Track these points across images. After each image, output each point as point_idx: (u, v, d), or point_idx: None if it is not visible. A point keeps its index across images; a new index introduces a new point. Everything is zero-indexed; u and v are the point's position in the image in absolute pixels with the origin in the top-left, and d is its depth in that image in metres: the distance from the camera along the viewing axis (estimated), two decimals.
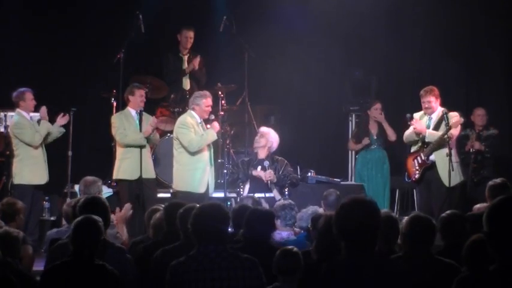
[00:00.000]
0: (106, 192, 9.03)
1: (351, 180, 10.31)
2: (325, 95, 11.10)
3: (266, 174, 8.69)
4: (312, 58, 10.78)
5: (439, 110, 8.63)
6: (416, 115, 8.73)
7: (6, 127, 9.73)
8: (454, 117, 8.47)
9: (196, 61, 10.51)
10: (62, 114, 9.04)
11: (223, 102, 10.07)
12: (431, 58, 10.80)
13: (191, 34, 10.59)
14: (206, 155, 8.45)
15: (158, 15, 10.50)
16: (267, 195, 8.55)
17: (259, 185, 8.71)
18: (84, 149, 10.33)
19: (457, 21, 10.58)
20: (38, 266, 5.43)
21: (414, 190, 9.85)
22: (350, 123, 10.63)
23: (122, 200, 8.63)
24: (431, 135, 8.55)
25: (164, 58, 10.63)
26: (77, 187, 7.99)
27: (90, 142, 10.57)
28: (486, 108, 9.87)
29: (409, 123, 8.71)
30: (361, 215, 3.23)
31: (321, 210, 6.39)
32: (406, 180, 8.92)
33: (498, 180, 6.94)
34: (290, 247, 4.49)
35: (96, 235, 4.29)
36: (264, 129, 9.05)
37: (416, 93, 10.26)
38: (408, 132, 8.76)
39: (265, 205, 7.44)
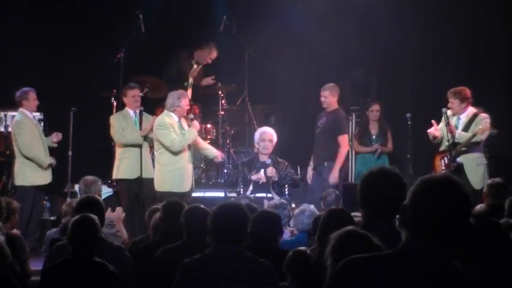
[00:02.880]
0: (106, 191, 9.12)
1: (351, 180, 10.33)
2: None
3: (268, 171, 8.69)
4: (312, 57, 10.76)
5: (469, 111, 8.58)
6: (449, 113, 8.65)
7: (6, 127, 9.78)
8: (483, 122, 8.42)
9: (208, 82, 10.45)
10: (55, 133, 9.04)
11: (223, 101, 10.15)
12: (432, 58, 10.79)
13: (215, 55, 10.50)
14: (186, 154, 8.44)
15: (158, 15, 10.50)
16: (268, 195, 8.55)
17: (260, 185, 8.72)
18: (84, 149, 10.35)
19: (458, 20, 10.57)
20: (38, 266, 5.47)
21: None
22: (350, 123, 10.63)
23: (121, 199, 8.72)
24: (461, 136, 8.48)
25: (174, 56, 10.57)
26: (77, 187, 7.98)
27: (90, 142, 10.58)
28: (486, 108, 9.88)
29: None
30: (386, 185, 3.27)
31: (313, 207, 6.36)
32: None
33: (497, 179, 6.97)
34: (303, 248, 4.48)
35: (93, 233, 4.31)
36: (269, 132, 9.00)
37: (416, 93, 10.29)
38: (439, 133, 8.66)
39: (265, 205, 7.42)
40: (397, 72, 10.99)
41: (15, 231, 6.20)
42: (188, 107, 8.59)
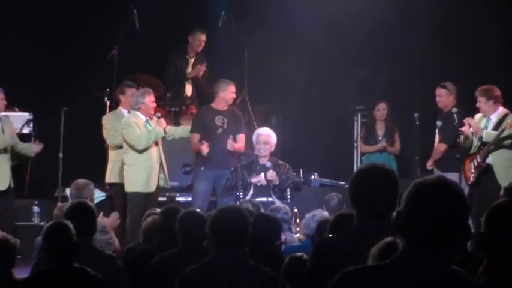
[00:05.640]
0: (99, 196, 9.01)
1: None
2: (329, 94, 11.00)
3: (268, 174, 8.58)
4: (315, 55, 10.68)
5: (500, 111, 8.37)
6: (477, 116, 8.48)
7: None
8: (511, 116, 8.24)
9: (202, 69, 10.47)
10: (37, 141, 8.88)
11: None
12: (442, 54, 10.71)
13: (204, 37, 10.54)
14: (155, 154, 8.44)
15: (153, 10, 10.44)
16: (269, 199, 8.45)
17: (261, 189, 8.63)
18: (75, 151, 10.20)
19: (467, 17, 10.51)
20: (25, 274, 5.37)
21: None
22: (355, 123, 10.52)
23: (115, 204, 8.66)
24: (489, 134, 8.25)
25: (169, 60, 10.62)
26: (68, 191, 7.97)
27: (82, 143, 10.45)
28: None
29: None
30: (376, 182, 3.24)
31: (326, 214, 6.30)
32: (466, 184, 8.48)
33: None
34: (300, 254, 4.41)
35: (67, 239, 4.27)
36: (264, 133, 8.89)
37: (424, 92, 10.19)
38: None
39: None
40: (404, 69, 10.91)
41: None
42: (154, 105, 8.56)
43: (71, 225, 4.36)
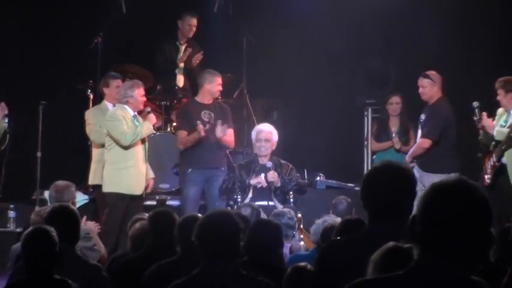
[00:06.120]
0: (81, 199, 9.02)
1: None
2: (336, 87, 11.01)
3: (269, 175, 8.59)
4: (321, 44, 10.69)
5: None
6: (499, 111, 8.50)
7: None
8: None
9: (198, 58, 10.48)
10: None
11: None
12: (459, 43, 10.72)
13: (195, 22, 10.53)
14: (140, 152, 8.44)
15: None
16: (270, 203, 8.50)
17: (261, 192, 8.65)
18: (55, 149, 10.24)
19: (485, 4, 10.53)
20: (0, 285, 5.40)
21: None
22: (366, 118, 10.51)
23: (99, 208, 8.69)
24: (499, 132, 8.30)
25: (158, 48, 10.60)
26: (47, 193, 7.94)
27: (62, 141, 10.49)
28: None
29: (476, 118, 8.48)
30: (390, 181, 3.27)
31: (339, 219, 6.30)
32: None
33: None
34: (303, 264, 4.43)
35: (48, 245, 4.25)
36: (266, 130, 8.91)
37: (442, 84, 10.20)
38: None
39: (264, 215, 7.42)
40: (419, 59, 10.91)
41: None
42: (144, 99, 8.59)
43: (54, 232, 4.34)
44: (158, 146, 9.53)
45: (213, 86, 9.07)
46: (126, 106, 8.43)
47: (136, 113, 8.48)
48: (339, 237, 3.94)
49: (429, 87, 8.73)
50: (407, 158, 8.96)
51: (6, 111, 8.84)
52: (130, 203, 8.24)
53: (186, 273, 3.99)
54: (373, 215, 3.37)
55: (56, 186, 7.02)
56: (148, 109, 8.76)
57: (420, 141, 8.96)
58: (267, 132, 8.85)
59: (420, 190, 3.06)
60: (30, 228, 4.43)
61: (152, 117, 8.63)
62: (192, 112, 9.11)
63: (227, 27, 10.44)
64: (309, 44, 10.70)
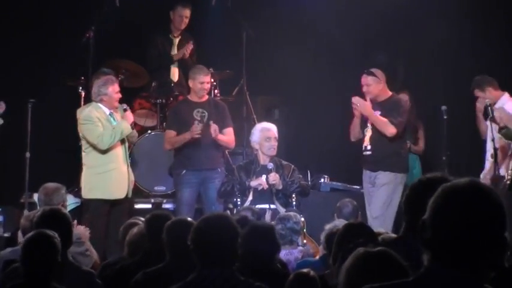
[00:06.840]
0: (72, 202, 9.01)
1: None
2: (341, 83, 10.99)
3: (270, 177, 8.54)
4: (325, 38, 10.69)
5: None
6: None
7: None
8: None
9: (189, 48, 10.46)
10: None
11: (216, 91, 10.16)
12: (473, 36, 10.71)
13: (187, 13, 10.54)
14: (120, 153, 8.42)
15: None
16: (272, 207, 8.48)
17: (262, 195, 8.62)
18: (45, 150, 10.25)
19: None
20: None
21: None
22: None
23: None
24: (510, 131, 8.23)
25: (150, 42, 10.62)
26: (36, 196, 7.91)
27: (52, 141, 10.51)
28: None
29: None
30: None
31: None
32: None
33: None
34: (306, 270, 4.43)
35: (50, 253, 4.26)
36: (272, 129, 8.89)
37: (453, 81, 10.20)
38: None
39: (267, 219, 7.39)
40: (429, 55, 10.91)
41: None
42: (119, 95, 8.53)
43: (57, 239, 4.37)
44: (152, 147, 9.51)
45: (195, 84, 9.00)
46: (100, 105, 8.40)
47: (112, 111, 8.44)
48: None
49: (374, 85, 8.61)
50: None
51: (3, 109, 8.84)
52: (113, 207, 8.25)
53: (174, 282, 3.99)
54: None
55: (45, 189, 7.02)
56: (125, 106, 8.69)
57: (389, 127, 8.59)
58: (274, 131, 8.82)
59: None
60: (33, 233, 4.44)
61: (129, 116, 8.56)
62: (183, 111, 9.07)
63: (226, 21, 10.44)
64: (312, 39, 10.71)
